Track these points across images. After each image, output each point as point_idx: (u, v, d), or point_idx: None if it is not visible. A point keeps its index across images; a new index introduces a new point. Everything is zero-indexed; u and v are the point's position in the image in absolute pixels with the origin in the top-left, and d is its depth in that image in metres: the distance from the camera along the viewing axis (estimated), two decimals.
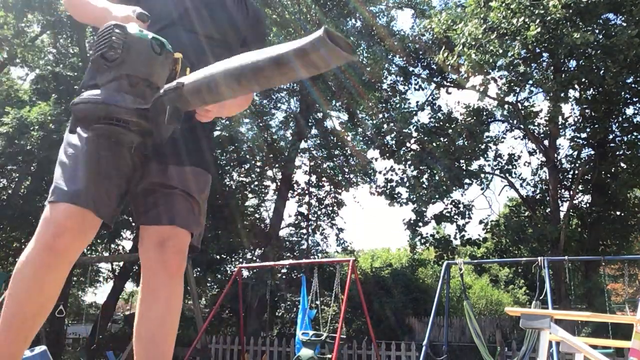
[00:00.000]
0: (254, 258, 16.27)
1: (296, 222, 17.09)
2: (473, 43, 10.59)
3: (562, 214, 13.10)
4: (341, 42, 1.04)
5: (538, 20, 9.73)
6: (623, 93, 11.74)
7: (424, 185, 14.02)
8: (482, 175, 14.31)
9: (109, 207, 1.52)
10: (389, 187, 14.92)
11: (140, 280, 1.64)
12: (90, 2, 1.56)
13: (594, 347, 3.67)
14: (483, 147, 13.63)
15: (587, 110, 12.70)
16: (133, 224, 12.81)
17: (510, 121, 14.02)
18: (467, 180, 13.84)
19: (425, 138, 13.97)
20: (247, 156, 15.99)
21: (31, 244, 1.48)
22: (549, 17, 9.70)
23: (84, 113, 1.35)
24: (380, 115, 15.24)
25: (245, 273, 14.78)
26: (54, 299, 1.51)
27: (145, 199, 1.63)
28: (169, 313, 1.61)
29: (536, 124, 13.47)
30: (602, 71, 10.61)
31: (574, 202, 13.57)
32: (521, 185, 14.78)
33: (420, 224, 14.27)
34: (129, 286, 19.09)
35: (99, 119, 1.34)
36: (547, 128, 13.23)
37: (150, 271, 1.62)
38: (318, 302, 8.43)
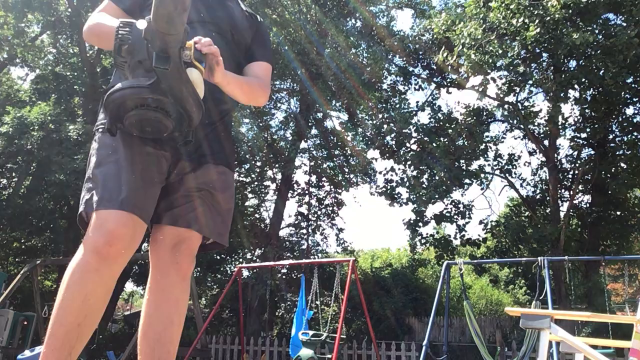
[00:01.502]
0: (254, 258, 16.27)
1: (296, 222, 17.10)
2: (472, 43, 10.58)
3: (562, 214, 13.10)
4: None
5: (537, 21, 9.71)
6: (623, 93, 11.74)
7: (424, 185, 14.01)
8: (482, 175, 14.31)
9: (152, 212, 1.55)
10: (389, 187, 14.91)
11: (149, 280, 1.64)
12: (110, 25, 1.57)
13: (594, 347, 3.67)
14: (483, 147, 13.63)
15: (587, 110, 12.70)
16: None
17: (510, 121, 14.02)
18: (467, 180, 13.84)
19: (425, 138, 13.96)
20: (247, 156, 15.99)
21: (79, 252, 1.46)
22: (548, 18, 9.69)
23: (116, 104, 1.39)
24: (380, 116, 15.24)
25: (245, 273, 14.79)
26: (98, 312, 1.47)
27: (167, 198, 1.63)
28: (177, 313, 1.62)
29: (536, 124, 13.47)
30: (601, 71, 10.61)
31: (574, 202, 13.57)
32: (521, 185, 14.81)
33: (420, 224, 14.26)
34: (129, 286, 19.14)
35: (129, 109, 1.39)
36: (547, 128, 13.22)
37: (161, 272, 1.62)
38: (318, 302, 8.43)
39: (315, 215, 17.07)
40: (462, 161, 13.90)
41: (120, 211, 1.44)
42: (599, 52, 10.00)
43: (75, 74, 14.48)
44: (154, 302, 1.61)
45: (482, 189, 14.66)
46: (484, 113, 13.73)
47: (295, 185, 17.04)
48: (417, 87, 15.62)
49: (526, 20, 9.87)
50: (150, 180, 1.53)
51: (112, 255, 1.43)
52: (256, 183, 17.19)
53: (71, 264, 1.46)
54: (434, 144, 13.51)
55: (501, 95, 12.18)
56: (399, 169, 14.88)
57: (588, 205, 14.02)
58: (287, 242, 16.98)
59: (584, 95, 12.27)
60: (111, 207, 1.44)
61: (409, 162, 14.45)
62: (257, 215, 17.57)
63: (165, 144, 1.56)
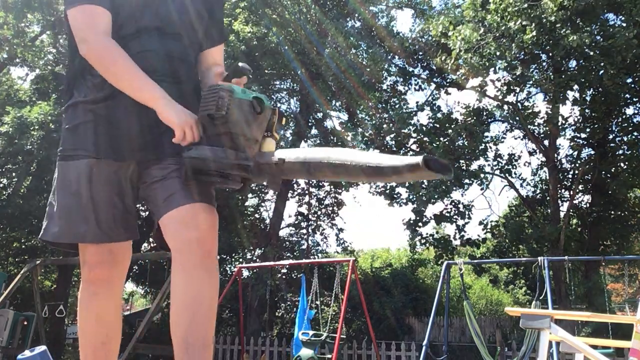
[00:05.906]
0: (254, 258, 16.26)
1: (296, 222, 17.09)
2: (469, 47, 10.57)
3: (562, 214, 13.10)
4: (436, 165, 1.19)
5: (535, 23, 9.69)
6: (622, 93, 11.74)
7: (423, 185, 14.01)
8: (482, 175, 14.30)
9: (123, 229, 1.63)
10: (388, 187, 14.91)
11: (171, 273, 1.52)
12: (143, 80, 1.51)
13: (594, 347, 3.67)
14: (483, 147, 13.62)
15: (586, 111, 12.70)
16: None
17: (510, 121, 14.03)
18: (467, 180, 13.84)
19: (425, 138, 13.96)
20: None
21: (81, 284, 1.71)
22: (545, 20, 9.68)
23: (199, 167, 1.52)
24: (379, 116, 15.24)
25: (245, 273, 14.78)
26: (116, 327, 1.69)
27: (161, 191, 1.57)
28: (208, 292, 1.47)
29: (536, 124, 13.47)
30: (600, 72, 10.60)
31: (574, 202, 13.57)
32: (521, 185, 14.80)
33: (420, 224, 14.26)
34: (129, 286, 19.12)
35: (209, 172, 1.52)
36: (547, 128, 13.23)
37: (183, 253, 1.48)
38: (318, 302, 8.43)
39: (315, 215, 17.07)
40: (462, 161, 13.89)
41: (90, 244, 1.62)
42: (597, 52, 9.99)
43: None
44: (179, 286, 1.47)
45: (482, 189, 14.66)
46: (484, 113, 13.72)
47: (295, 185, 17.03)
48: (417, 87, 15.63)
49: (523, 23, 9.85)
50: (109, 204, 1.59)
51: (101, 277, 1.64)
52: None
53: (78, 296, 1.69)
54: (434, 144, 13.51)
55: (500, 97, 12.17)
56: None
57: (588, 205, 14.01)
58: (287, 242, 16.98)
59: (583, 96, 12.28)
60: (82, 241, 1.61)
61: None
62: (257, 215, 17.56)
63: (131, 161, 1.60)
